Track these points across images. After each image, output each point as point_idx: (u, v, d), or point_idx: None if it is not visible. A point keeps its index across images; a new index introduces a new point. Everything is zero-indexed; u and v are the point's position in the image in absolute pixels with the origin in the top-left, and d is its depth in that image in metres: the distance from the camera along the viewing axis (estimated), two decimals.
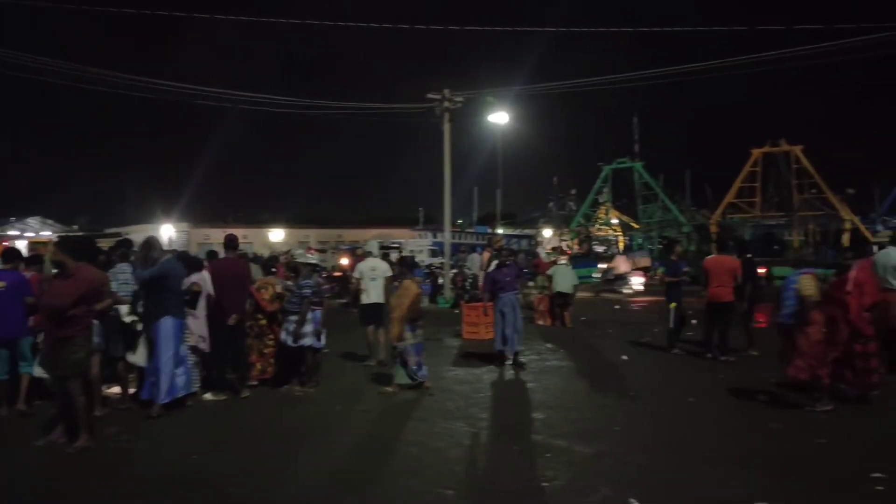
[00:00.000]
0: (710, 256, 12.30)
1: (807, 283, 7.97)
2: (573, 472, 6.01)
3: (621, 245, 54.20)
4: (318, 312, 9.33)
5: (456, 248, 29.99)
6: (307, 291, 9.20)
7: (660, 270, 25.58)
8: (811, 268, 8.71)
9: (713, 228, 41.25)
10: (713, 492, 5.48)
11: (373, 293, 11.37)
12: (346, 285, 21.31)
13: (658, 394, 8.98)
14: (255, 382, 9.35)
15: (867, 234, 36.86)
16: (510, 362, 11.10)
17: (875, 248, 11.77)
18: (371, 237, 40.99)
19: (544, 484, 5.72)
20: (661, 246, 42.77)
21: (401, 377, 9.31)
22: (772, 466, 6.00)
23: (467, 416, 8.09)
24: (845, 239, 37.99)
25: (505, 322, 11.20)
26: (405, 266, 10.17)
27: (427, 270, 25.78)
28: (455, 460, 6.46)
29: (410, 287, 9.37)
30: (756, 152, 42.72)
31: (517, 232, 62.20)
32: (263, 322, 9.52)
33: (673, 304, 12.15)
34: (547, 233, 56.50)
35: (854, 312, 7.79)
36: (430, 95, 24.82)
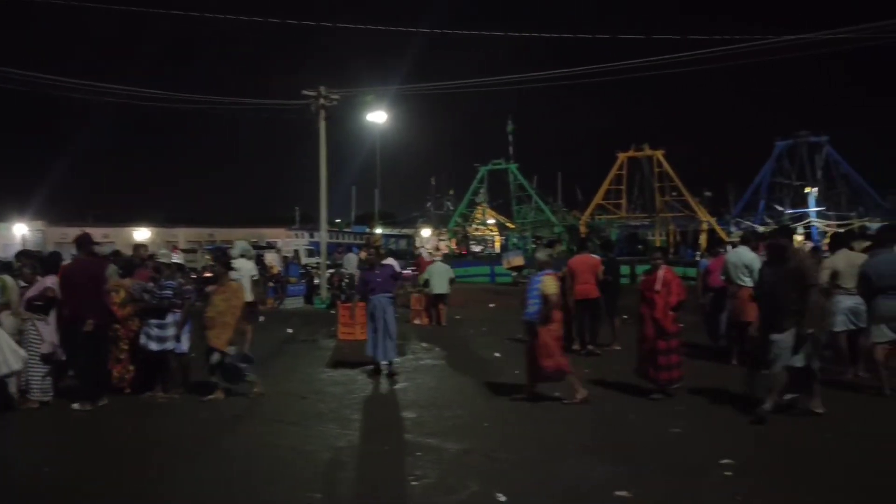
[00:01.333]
0: (573, 256, 12.78)
1: (549, 283, 8.33)
2: (442, 469, 6.05)
3: (497, 245, 55.43)
4: (179, 315, 8.90)
5: (333, 248, 29.66)
6: (168, 293, 8.78)
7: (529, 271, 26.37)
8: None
9: (583, 229, 42.92)
10: (576, 483, 5.66)
11: None
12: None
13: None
14: (126, 390, 8.85)
15: (722, 234, 39.46)
16: (385, 372, 10.47)
17: (729, 247, 12.65)
18: (244, 236, 39.82)
19: (414, 483, 5.72)
20: (534, 245, 44.07)
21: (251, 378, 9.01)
22: (631, 456, 6.27)
23: (339, 417, 7.99)
24: (703, 239, 40.54)
25: (376, 327, 10.42)
26: (221, 264, 9.58)
27: (303, 270, 25.31)
28: (325, 463, 6.36)
29: (239, 289, 9.08)
30: (622, 156, 44.88)
31: (396, 232, 62.28)
32: (117, 326, 8.98)
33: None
34: (425, 233, 56.94)
35: (660, 311, 8.35)
36: (305, 92, 24.41)
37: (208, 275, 23.95)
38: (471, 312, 19.44)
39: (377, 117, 32.57)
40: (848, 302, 9.24)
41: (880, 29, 19.35)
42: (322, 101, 24.23)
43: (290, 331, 15.55)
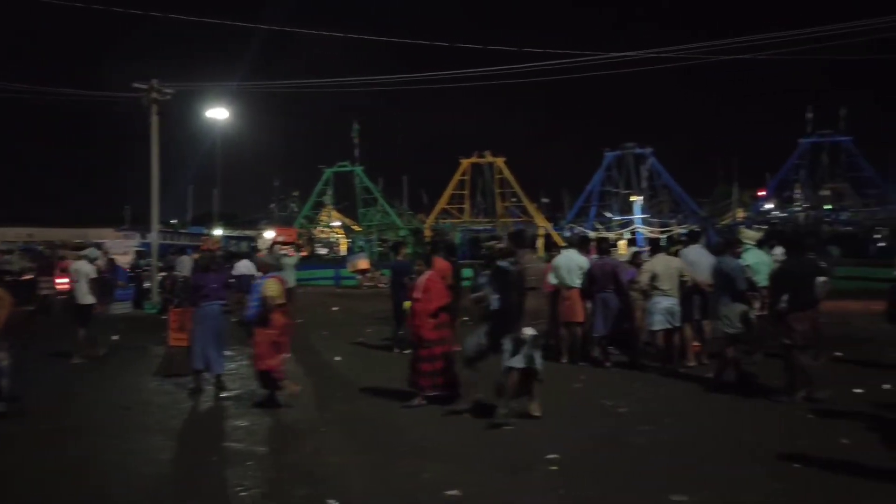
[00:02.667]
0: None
1: (271, 286, 8.40)
2: (273, 478, 5.91)
3: (343, 247, 54.99)
4: None
5: (165, 250, 28.19)
6: None
7: (384, 272, 26.38)
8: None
9: (427, 232, 43.52)
10: (407, 484, 5.70)
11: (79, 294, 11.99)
12: (33, 291, 18.91)
13: (366, 394, 9.15)
14: None
15: (558, 239, 41.38)
16: (213, 385, 9.49)
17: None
18: (68, 237, 36.98)
19: (242, 493, 5.53)
20: (380, 249, 44.19)
21: None
22: (462, 455, 6.41)
23: (166, 429, 7.60)
24: (540, 243, 42.36)
25: (204, 337, 9.36)
26: None
27: (131, 273, 23.82)
28: (150, 477, 6.03)
29: (4, 297, 8.41)
30: (465, 162, 45.99)
31: (237, 233, 60.16)
32: None
33: (407, 304, 12.49)
34: (269, 234, 55.43)
35: (418, 318, 8.21)
36: (136, 85, 23.04)
37: (27, 278, 22.00)
38: (313, 316, 19.11)
39: (217, 114, 31.37)
40: (665, 303, 9.97)
41: (696, 49, 21.09)
42: (154, 94, 22.93)
43: (115, 337, 14.57)
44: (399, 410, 8.07)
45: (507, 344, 7.30)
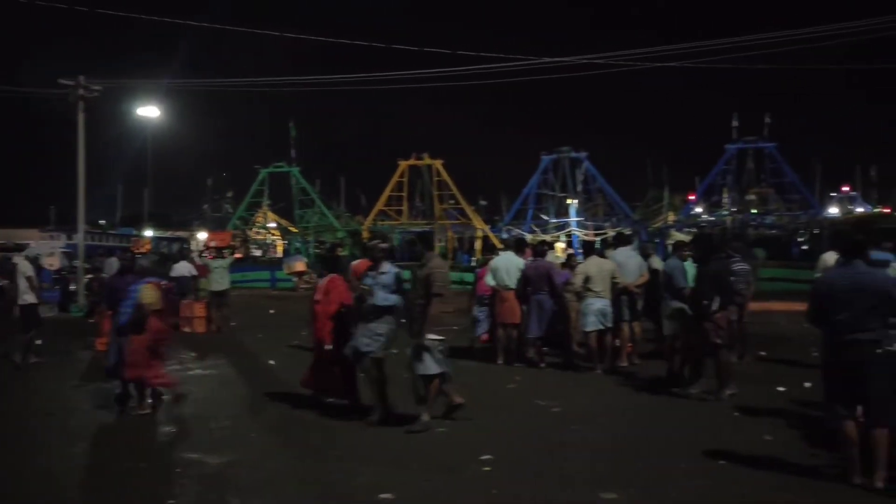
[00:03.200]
0: (356, 261, 12.78)
1: (147, 292, 8.21)
2: (203, 485, 5.77)
3: (279, 249, 54.21)
4: None
5: (93, 251, 27.30)
6: None
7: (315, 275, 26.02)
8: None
9: (365, 234, 43.29)
10: (341, 488, 5.65)
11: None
12: None
13: (300, 398, 9.01)
14: None
15: (496, 241, 41.70)
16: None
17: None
18: None
19: (170, 502, 5.37)
20: (317, 251, 43.72)
21: None
22: (396, 457, 6.39)
23: (91, 435, 7.38)
24: (478, 245, 42.63)
25: (123, 342, 8.52)
26: None
27: (57, 276, 22.99)
28: (73, 487, 5.81)
29: None
30: (403, 164, 45.88)
31: (169, 234, 58.65)
32: None
33: None
34: (202, 235, 54.20)
35: (319, 321, 8.12)
36: (62, 81, 22.25)
37: None
38: (248, 319, 18.78)
39: (148, 112, 30.55)
40: (598, 304, 10.15)
41: (630, 56, 21.57)
42: (81, 91, 22.19)
43: (38, 342, 14.02)
44: (333, 414, 7.98)
45: (414, 351, 7.20)
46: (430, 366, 7.16)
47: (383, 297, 7.30)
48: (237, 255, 17.31)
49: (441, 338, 7.27)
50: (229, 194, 62.71)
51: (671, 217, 51.65)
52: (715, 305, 8.26)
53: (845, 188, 57.77)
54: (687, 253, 10.23)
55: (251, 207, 53.40)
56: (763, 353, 11.45)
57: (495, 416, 7.88)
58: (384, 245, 7.78)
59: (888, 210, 49.47)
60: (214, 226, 55.81)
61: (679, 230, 42.70)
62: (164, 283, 8.87)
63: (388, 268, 7.46)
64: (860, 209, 53.38)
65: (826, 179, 58.36)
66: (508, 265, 11.01)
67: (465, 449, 6.57)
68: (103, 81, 23.10)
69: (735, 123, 50.86)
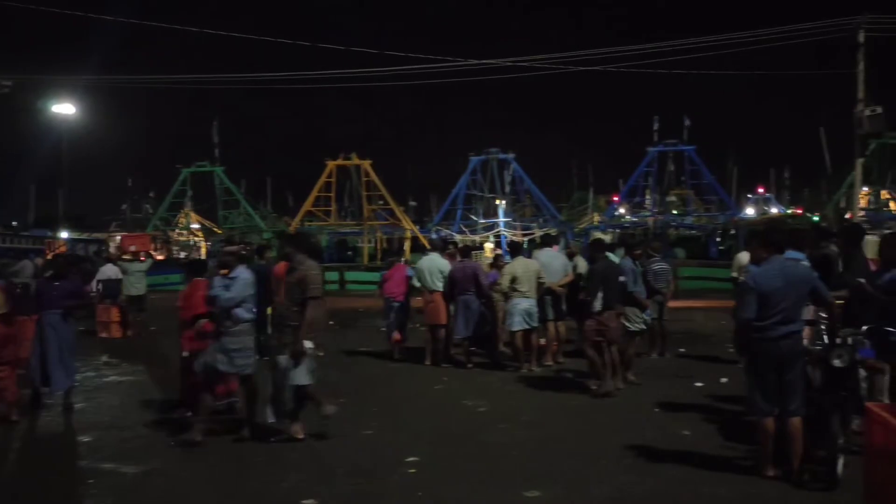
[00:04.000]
0: (278, 263, 12.51)
1: None
2: (117, 495, 5.55)
3: (203, 251, 52.86)
4: None
5: (4, 254, 26.03)
6: None
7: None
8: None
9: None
10: (265, 495, 5.52)
11: None
12: None
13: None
14: None
15: (425, 242, 41.76)
16: (57, 402, 8.65)
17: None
18: None
19: None
20: (244, 252, 42.71)
21: None
22: (319, 462, 6.30)
23: (4, 448, 6.98)
24: (407, 247, 42.55)
25: (45, 350, 8.40)
26: None
27: None
28: None
29: None
30: (331, 164, 45.41)
31: (85, 236, 56.43)
32: None
33: (269, 309, 12.08)
34: (120, 237, 52.34)
35: (182, 328, 7.95)
36: None
37: None
38: (167, 323, 18.16)
39: (63, 109, 29.37)
40: (524, 304, 10.23)
41: (554, 60, 21.92)
42: None
43: None
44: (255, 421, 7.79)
45: (286, 360, 6.64)
46: (303, 376, 6.63)
47: (240, 311, 6.88)
48: (142, 259, 16.62)
49: (312, 345, 6.71)
50: (150, 195, 60.92)
51: (596, 218, 52.80)
52: (598, 304, 8.46)
53: (760, 190, 60.29)
54: (638, 252, 10.52)
55: (173, 208, 51.98)
56: (682, 350, 11.79)
57: (422, 417, 7.85)
58: (232, 248, 7.50)
59: (800, 210, 51.83)
60: (134, 227, 54.02)
61: (603, 231, 43.69)
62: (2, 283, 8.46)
63: (239, 272, 7.04)
64: (774, 210, 55.74)
65: (742, 181, 60.83)
66: (432, 267, 11.01)
67: (390, 452, 6.51)
68: (14, 76, 22.08)
69: (656, 126, 52.40)
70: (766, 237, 6.01)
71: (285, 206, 57.69)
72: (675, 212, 54.64)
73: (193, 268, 8.98)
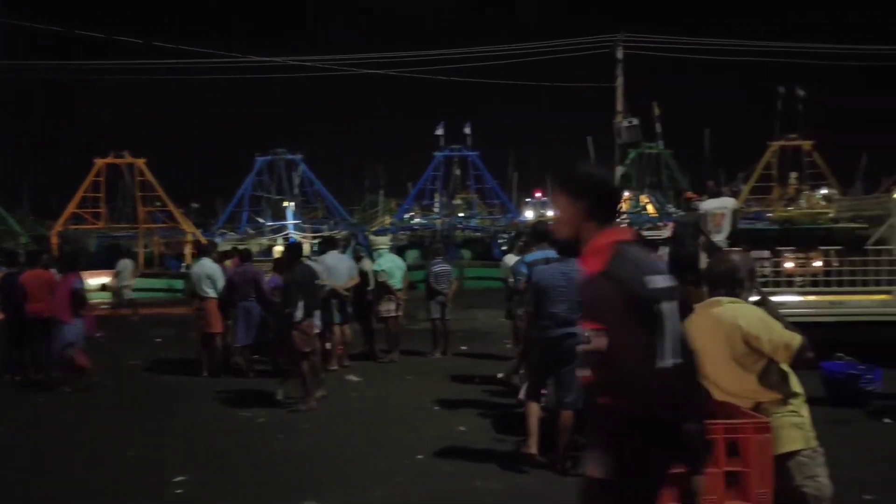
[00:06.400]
0: (25, 272, 11.18)
1: None
2: None
3: None
4: None
5: None
6: None
7: None
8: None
9: (54, 240, 38.78)
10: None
11: None
12: None
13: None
14: None
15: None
16: None
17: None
18: None
19: None
20: None
21: None
22: (81, 485, 5.77)
23: None
24: (188, 250, 40.24)
25: None
26: None
27: None
28: None
29: None
30: (100, 162, 41.78)
31: None
32: None
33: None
34: None
35: None
36: None
37: None
38: None
39: None
40: None
41: (339, 61, 21.82)
42: None
43: None
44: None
45: None
46: None
47: None
48: None
49: None
50: None
51: (388, 220, 53.46)
52: (299, 314, 7.97)
53: (538, 194, 64.49)
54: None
55: None
56: (464, 348, 12.16)
57: (194, 433, 7.39)
58: None
59: None
60: None
61: (382, 234, 44.26)
62: None
63: None
64: (551, 213, 59.77)
65: (521, 186, 64.78)
66: (200, 272, 10.41)
67: (157, 472, 6.04)
68: None
69: (440, 132, 54.12)
70: (534, 230, 6.33)
71: (49, 209, 52.28)
72: (461, 214, 56.84)
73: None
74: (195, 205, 60.47)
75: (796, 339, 3.35)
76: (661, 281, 2.32)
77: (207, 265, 10.43)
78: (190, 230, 42.10)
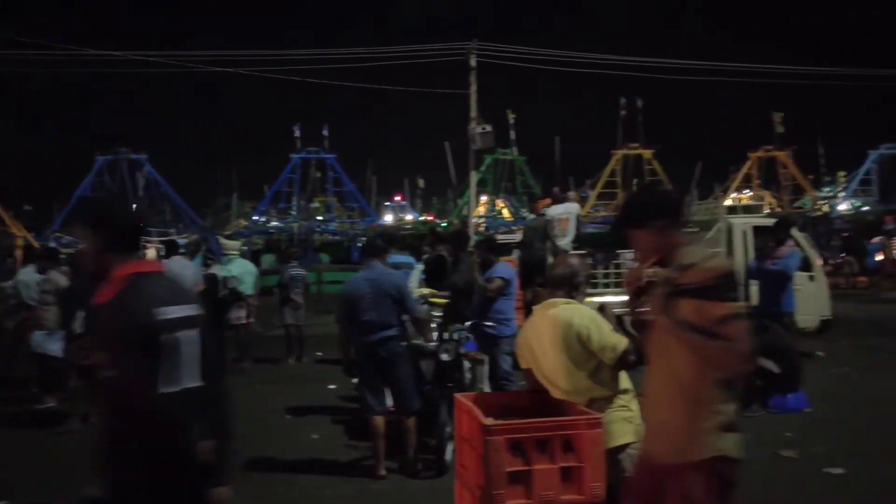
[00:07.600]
0: None
1: None
2: None
3: None
4: None
5: None
6: None
7: None
8: None
9: None
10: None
11: None
12: None
13: None
14: None
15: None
16: None
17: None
18: None
19: None
20: None
21: None
22: None
23: None
24: (19, 254, 37.16)
25: None
26: None
27: None
28: None
29: None
30: None
31: None
32: None
33: None
34: None
35: None
36: None
37: None
38: None
39: None
40: None
41: (186, 57, 20.86)
42: None
43: None
44: None
45: None
46: None
47: None
48: None
49: None
50: None
51: (242, 223, 51.89)
52: (79, 327, 7.04)
53: (397, 197, 64.83)
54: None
55: None
56: (320, 354, 11.99)
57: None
58: None
59: (431, 217, 56.82)
60: None
61: (250, 237, 42.99)
62: None
63: None
64: (409, 216, 60.28)
65: (380, 189, 64.82)
66: (27, 280, 9.62)
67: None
68: None
69: (297, 133, 53.27)
70: (365, 246, 6.44)
71: None
72: (319, 218, 56.09)
73: None
74: (28, 208, 56.01)
75: (622, 342, 3.56)
76: (178, 311, 2.41)
77: (31, 273, 9.62)
78: (20, 234, 39.01)
